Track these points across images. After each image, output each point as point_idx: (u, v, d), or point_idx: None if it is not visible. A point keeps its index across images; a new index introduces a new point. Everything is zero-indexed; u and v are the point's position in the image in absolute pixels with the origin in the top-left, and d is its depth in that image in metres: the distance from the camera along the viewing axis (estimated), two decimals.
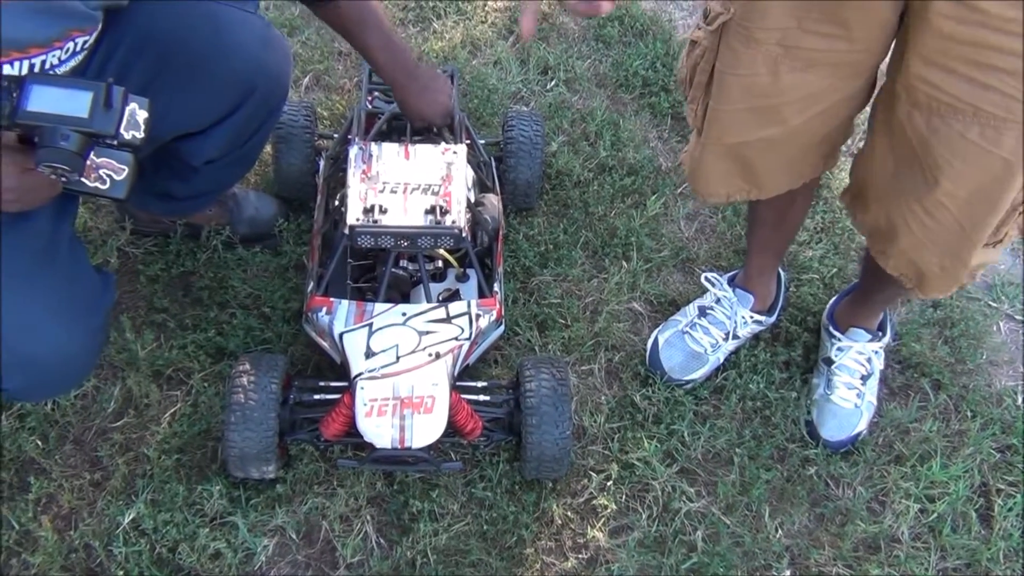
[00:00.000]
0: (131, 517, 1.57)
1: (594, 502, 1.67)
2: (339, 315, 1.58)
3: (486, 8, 2.46)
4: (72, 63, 1.30)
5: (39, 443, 1.65)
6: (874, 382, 1.80)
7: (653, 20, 2.48)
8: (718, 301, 1.84)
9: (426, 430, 1.47)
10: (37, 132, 1.13)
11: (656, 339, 1.85)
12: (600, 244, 2.02)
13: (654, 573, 1.60)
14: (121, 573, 1.53)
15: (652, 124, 2.28)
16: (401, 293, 1.70)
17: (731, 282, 1.87)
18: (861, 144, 2.21)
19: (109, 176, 1.21)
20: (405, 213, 1.59)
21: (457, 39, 2.37)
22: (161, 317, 1.82)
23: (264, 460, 1.52)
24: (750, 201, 1.68)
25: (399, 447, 1.47)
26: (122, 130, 1.15)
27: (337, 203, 1.73)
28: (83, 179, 1.19)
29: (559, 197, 2.09)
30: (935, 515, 1.70)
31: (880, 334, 1.81)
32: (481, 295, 1.69)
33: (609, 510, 1.66)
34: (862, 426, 1.76)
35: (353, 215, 1.58)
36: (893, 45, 1.27)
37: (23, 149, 1.18)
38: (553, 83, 2.32)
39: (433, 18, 2.43)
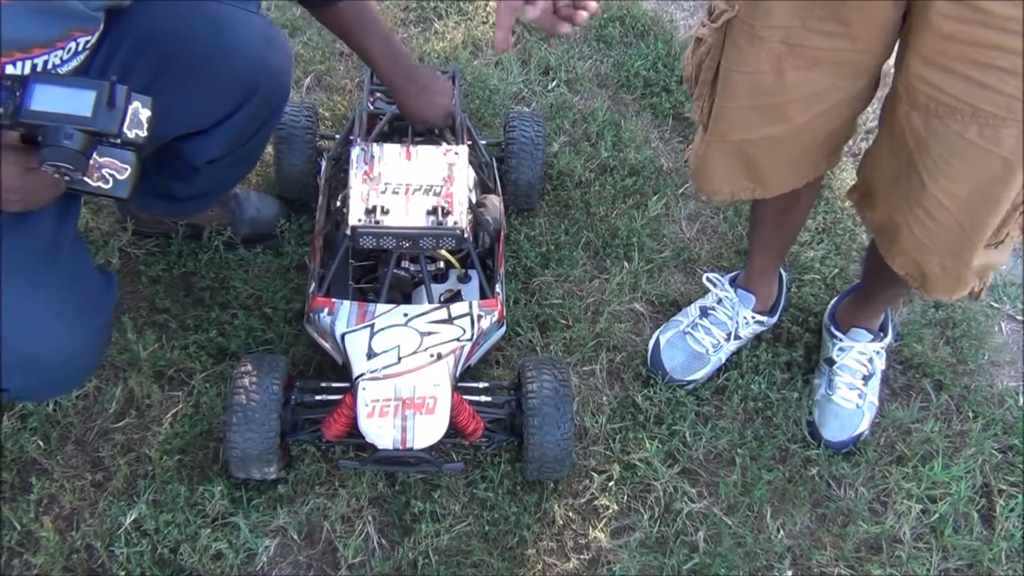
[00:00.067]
0: (133, 518, 1.57)
1: (596, 503, 1.67)
2: (341, 316, 1.58)
3: (487, 8, 2.47)
4: (74, 63, 1.30)
5: (41, 443, 1.65)
6: (876, 382, 1.80)
7: (654, 20, 2.48)
8: (719, 301, 1.84)
9: (428, 431, 1.47)
10: (40, 131, 1.13)
11: (657, 340, 1.85)
12: (601, 245, 2.02)
13: (656, 574, 1.60)
14: (123, 574, 1.53)
15: (653, 124, 2.28)
16: (403, 294, 1.70)
17: (732, 282, 1.87)
18: (863, 144, 2.23)
19: (112, 176, 1.21)
20: (407, 214, 1.59)
21: (458, 39, 2.38)
22: (163, 318, 1.82)
23: (266, 461, 1.52)
24: (752, 201, 1.68)
25: (401, 448, 1.47)
26: (125, 129, 1.15)
27: (339, 204, 1.73)
28: (86, 178, 1.19)
29: (560, 198, 2.09)
30: (937, 516, 1.70)
31: (882, 334, 1.81)
32: (483, 296, 1.69)
33: (611, 511, 1.66)
34: (864, 426, 1.76)
35: (355, 216, 1.58)
36: (897, 45, 1.28)
37: (26, 149, 1.18)
38: (554, 83, 2.32)
39: (434, 18, 2.43)
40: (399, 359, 1.52)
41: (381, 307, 1.59)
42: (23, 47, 1.19)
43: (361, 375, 1.50)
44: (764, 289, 1.85)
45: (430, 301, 1.64)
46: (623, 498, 1.68)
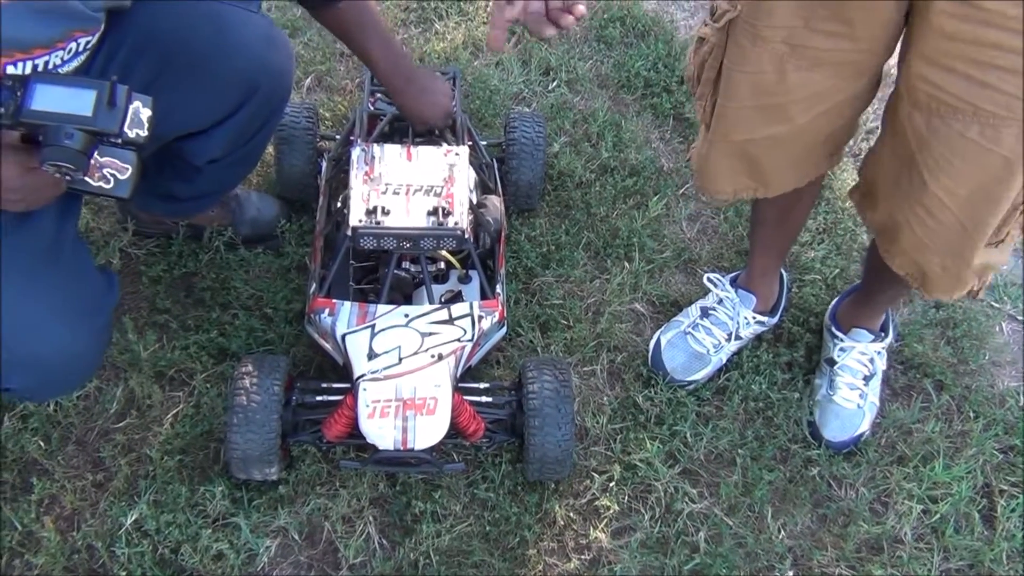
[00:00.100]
0: (133, 518, 1.57)
1: (596, 503, 1.67)
2: (341, 317, 1.58)
3: (488, 9, 2.47)
4: (75, 63, 1.30)
5: (42, 444, 1.65)
6: (877, 383, 1.80)
7: (655, 21, 2.48)
8: (720, 302, 1.84)
9: (428, 432, 1.47)
10: (41, 131, 1.13)
11: (658, 340, 1.85)
12: (602, 245, 2.02)
13: (656, 574, 1.60)
14: (124, 574, 1.53)
15: (654, 125, 2.28)
16: (403, 295, 1.70)
17: (733, 283, 1.87)
18: (863, 144, 2.23)
19: (113, 175, 1.21)
20: (407, 215, 1.59)
21: (459, 40, 2.38)
22: (163, 318, 1.82)
23: (267, 462, 1.52)
24: (753, 201, 1.68)
25: (401, 449, 1.47)
26: (126, 128, 1.16)
27: (339, 205, 1.73)
28: (87, 178, 1.19)
29: (561, 198, 2.09)
30: (938, 516, 1.69)
31: (883, 335, 1.81)
32: (483, 296, 1.69)
33: (611, 511, 1.66)
34: (865, 427, 1.76)
35: (356, 217, 1.58)
36: (899, 45, 1.28)
37: (27, 148, 1.18)
38: (555, 84, 2.32)
39: (435, 19, 2.43)
40: (400, 360, 1.52)
41: (382, 308, 1.59)
42: (24, 47, 1.20)
43: (362, 376, 1.50)
44: (765, 289, 1.85)
45: (431, 302, 1.64)
46: (624, 498, 1.68)
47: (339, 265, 1.63)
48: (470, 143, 1.80)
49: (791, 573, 1.63)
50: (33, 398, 1.64)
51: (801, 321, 1.93)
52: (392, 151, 1.67)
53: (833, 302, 1.89)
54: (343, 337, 1.55)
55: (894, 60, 1.31)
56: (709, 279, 1.88)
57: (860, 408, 1.76)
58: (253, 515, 1.59)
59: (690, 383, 1.81)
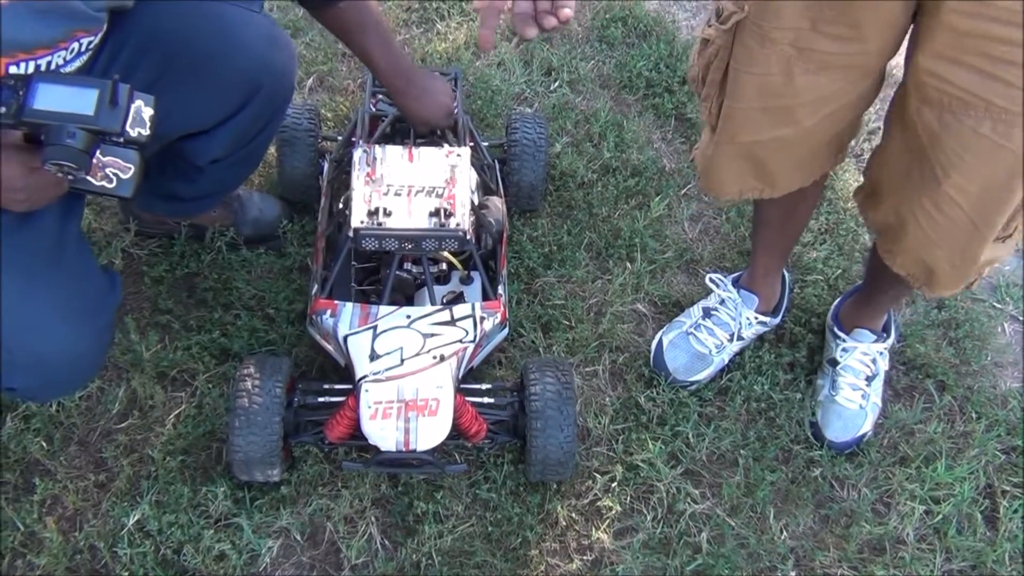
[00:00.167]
0: (136, 518, 1.57)
1: (599, 503, 1.67)
2: (343, 318, 1.58)
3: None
4: (77, 63, 1.30)
5: (44, 444, 1.65)
6: (879, 383, 1.80)
7: (657, 21, 2.47)
8: (722, 302, 1.84)
9: (430, 433, 1.47)
10: (43, 130, 1.13)
11: (660, 340, 1.85)
12: (604, 245, 2.02)
13: (659, 575, 1.60)
14: (126, 574, 1.53)
15: (656, 125, 2.28)
16: (405, 296, 1.70)
17: (735, 283, 1.87)
18: (865, 144, 2.22)
19: (115, 175, 1.21)
20: (409, 216, 1.59)
21: (460, 40, 2.38)
22: (165, 318, 1.82)
23: (269, 464, 1.52)
24: (755, 202, 1.68)
25: (403, 450, 1.47)
26: (128, 127, 1.16)
27: (341, 206, 1.73)
28: (89, 177, 1.20)
29: (563, 198, 2.09)
30: (940, 516, 1.69)
31: (885, 335, 1.81)
32: (485, 297, 1.69)
33: (614, 511, 1.66)
34: (867, 427, 1.76)
35: (357, 218, 1.58)
36: (906, 43, 1.27)
37: (29, 148, 1.18)
38: (557, 84, 2.32)
39: (436, 19, 2.43)
40: (402, 361, 1.52)
41: (384, 309, 1.59)
42: (26, 48, 1.20)
43: (364, 377, 1.50)
44: (767, 290, 1.85)
45: (432, 303, 1.64)
46: (626, 499, 1.68)
47: (341, 266, 1.63)
48: (472, 144, 1.79)
49: (793, 574, 1.63)
50: (35, 398, 1.64)
51: (803, 322, 1.93)
52: (394, 152, 1.67)
53: (835, 303, 1.89)
54: (345, 338, 1.55)
55: (895, 59, 1.31)
56: (711, 279, 1.88)
57: (862, 409, 1.76)
58: (255, 515, 1.59)
59: (692, 383, 1.81)
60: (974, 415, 1.84)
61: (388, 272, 1.63)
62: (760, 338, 1.89)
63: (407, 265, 1.69)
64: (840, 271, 2.01)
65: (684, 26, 2.51)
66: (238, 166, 1.72)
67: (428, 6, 2.45)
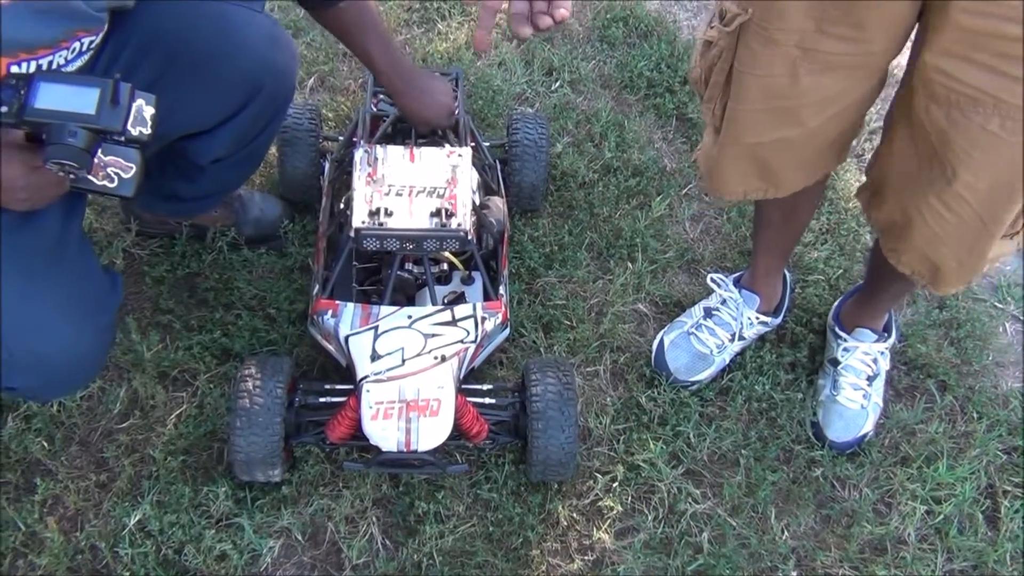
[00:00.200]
0: (137, 518, 1.57)
1: (600, 503, 1.67)
2: (344, 318, 1.58)
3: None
4: (78, 63, 1.30)
5: (45, 444, 1.65)
6: (880, 383, 1.80)
7: (658, 21, 2.47)
8: (724, 302, 1.84)
9: (432, 433, 1.47)
10: (45, 129, 1.13)
11: (662, 340, 1.85)
12: (605, 245, 2.02)
13: (660, 575, 1.60)
14: (127, 574, 1.53)
15: (657, 125, 2.28)
16: (406, 296, 1.70)
17: (737, 283, 1.87)
18: (866, 143, 2.22)
19: (117, 174, 1.21)
20: (410, 216, 1.59)
21: (462, 40, 2.37)
22: (167, 318, 1.82)
23: (270, 464, 1.52)
24: (756, 202, 1.68)
25: (405, 450, 1.47)
26: (129, 126, 1.16)
27: (342, 206, 1.73)
28: (91, 177, 1.20)
29: (564, 198, 2.09)
30: (941, 517, 1.69)
31: (886, 335, 1.81)
32: (486, 298, 1.69)
33: (615, 511, 1.66)
34: (868, 427, 1.76)
35: (359, 218, 1.57)
36: (911, 41, 1.27)
37: (31, 147, 1.18)
38: (558, 84, 2.32)
39: (437, 19, 2.43)
40: (403, 361, 1.52)
41: (385, 309, 1.59)
42: (27, 47, 1.19)
43: (365, 377, 1.50)
44: (768, 290, 1.85)
45: (434, 303, 1.64)
46: (627, 499, 1.68)
47: (342, 266, 1.63)
48: (473, 144, 1.79)
49: (795, 574, 1.63)
50: (37, 398, 1.64)
51: (804, 322, 1.93)
52: (395, 152, 1.67)
53: (836, 302, 1.89)
54: (346, 339, 1.55)
55: (897, 58, 1.31)
56: (712, 279, 1.88)
57: (864, 408, 1.76)
58: (256, 515, 1.59)
59: (693, 383, 1.81)
60: (975, 415, 1.84)
61: (389, 272, 1.63)
62: (761, 338, 1.89)
63: (408, 265, 1.69)
64: (841, 271, 2.01)
65: (685, 26, 2.51)
66: (239, 166, 1.72)
67: (429, 6, 2.45)
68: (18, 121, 1.13)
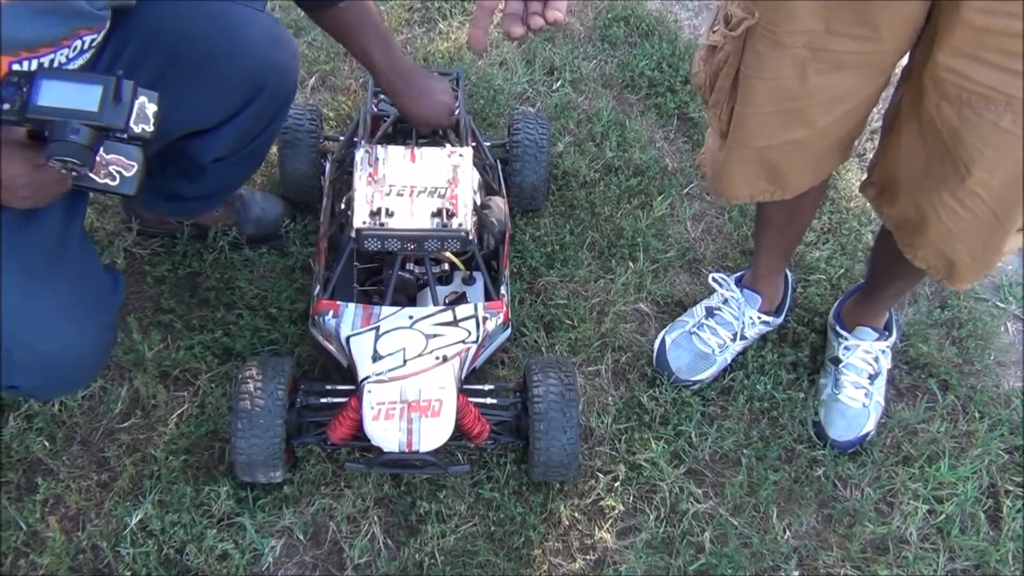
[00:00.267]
0: (138, 518, 1.57)
1: (601, 503, 1.67)
2: (346, 318, 1.57)
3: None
4: (80, 61, 1.30)
5: (46, 444, 1.65)
6: (881, 382, 1.80)
7: (659, 21, 2.47)
8: (725, 302, 1.84)
9: (433, 434, 1.47)
10: (47, 127, 1.13)
11: (663, 340, 1.85)
12: (606, 245, 2.02)
13: (662, 574, 1.60)
14: (129, 574, 1.53)
15: (658, 124, 2.27)
16: (407, 296, 1.70)
17: (738, 283, 1.87)
18: (868, 143, 2.22)
19: (119, 172, 1.21)
20: (411, 216, 1.59)
21: (463, 40, 2.37)
22: (168, 318, 1.82)
23: (271, 466, 1.52)
24: (758, 202, 1.67)
25: (406, 451, 1.47)
26: (131, 124, 1.16)
27: (343, 206, 1.73)
28: (93, 175, 1.20)
29: (565, 198, 2.09)
30: (943, 516, 1.69)
31: (887, 333, 1.81)
32: (488, 298, 1.69)
33: (616, 511, 1.66)
34: (870, 426, 1.76)
35: (360, 218, 1.57)
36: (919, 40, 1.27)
37: (33, 145, 1.18)
38: (559, 84, 2.32)
39: (439, 19, 2.43)
40: (404, 362, 1.51)
41: (386, 309, 1.59)
42: (29, 46, 1.19)
43: (366, 378, 1.50)
44: (770, 289, 1.85)
45: (435, 303, 1.64)
46: (629, 498, 1.68)
47: (343, 267, 1.63)
48: (474, 144, 1.79)
49: (796, 573, 1.63)
50: (38, 397, 1.64)
51: (806, 321, 1.93)
52: (396, 152, 1.67)
53: (837, 302, 1.89)
54: (347, 339, 1.55)
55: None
56: (714, 279, 1.88)
57: (865, 407, 1.76)
58: (258, 515, 1.59)
59: (695, 383, 1.81)
60: (977, 414, 1.84)
61: (390, 272, 1.63)
62: (763, 337, 1.89)
63: (409, 265, 1.69)
64: (843, 270, 2.01)
65: (686, 25, 2.50)
66: (241, 165, 1.72)
67: (430, 6, 2.45)
68: (20, 118, 1.13)
